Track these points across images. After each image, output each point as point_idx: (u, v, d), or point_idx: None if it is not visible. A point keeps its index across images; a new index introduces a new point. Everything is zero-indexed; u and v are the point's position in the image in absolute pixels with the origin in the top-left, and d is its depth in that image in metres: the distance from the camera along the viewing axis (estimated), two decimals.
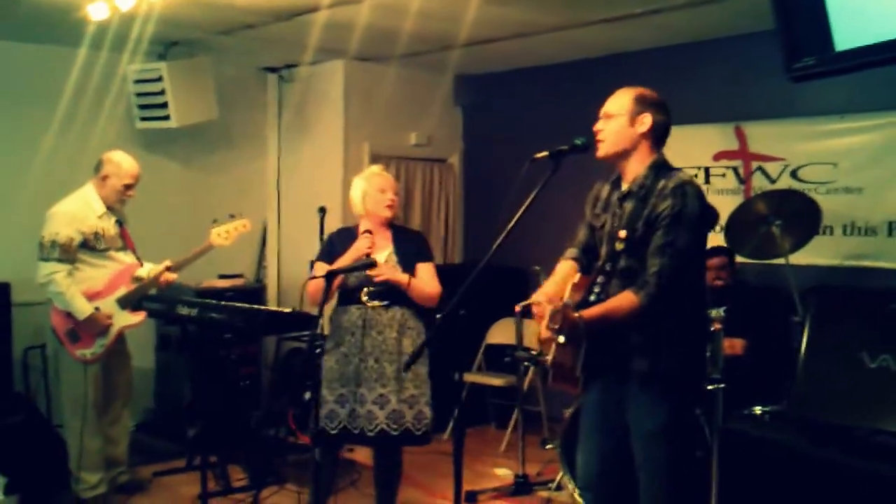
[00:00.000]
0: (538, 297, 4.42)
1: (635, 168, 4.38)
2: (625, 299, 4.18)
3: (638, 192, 4.33)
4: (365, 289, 5.64)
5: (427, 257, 5.91)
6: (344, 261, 5.59)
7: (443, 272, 8.00)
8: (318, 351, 5.13)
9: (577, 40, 8.32)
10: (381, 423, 5.55)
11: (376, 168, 5.95)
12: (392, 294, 5.66)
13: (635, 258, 4.27)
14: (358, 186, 5.83)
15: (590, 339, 4.20)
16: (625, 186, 4.43)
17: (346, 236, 5.85)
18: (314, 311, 5.37)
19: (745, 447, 3.89)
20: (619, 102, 4.40)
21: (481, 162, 10.29)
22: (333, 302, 5.86)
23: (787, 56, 3.55)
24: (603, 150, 4.40)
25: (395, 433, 5.58)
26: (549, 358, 4.34)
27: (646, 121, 4.35)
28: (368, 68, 9.47)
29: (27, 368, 7.93)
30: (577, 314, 4.11)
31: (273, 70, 9.93)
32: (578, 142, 4.36)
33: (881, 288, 7.08)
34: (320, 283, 5.40)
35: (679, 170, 4.39)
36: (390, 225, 5.88)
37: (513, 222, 4.21)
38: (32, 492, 6.41)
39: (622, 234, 4.31)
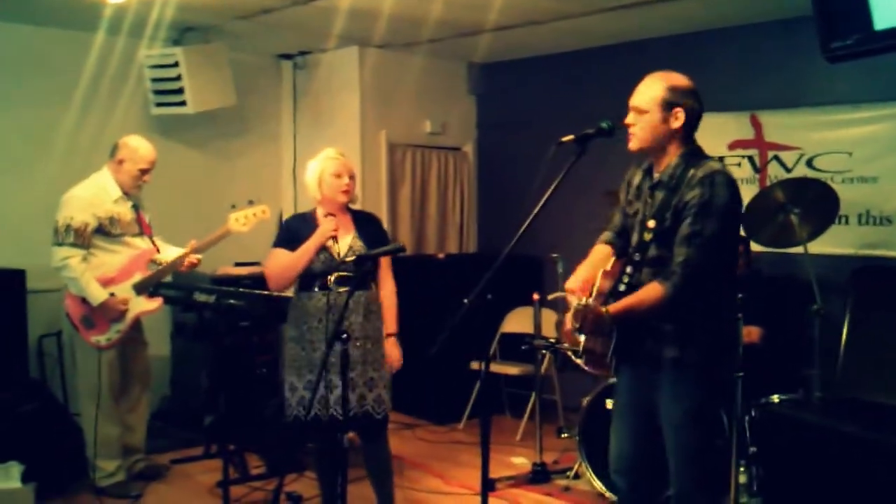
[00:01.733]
0: (572, 282, 4.44)
1: (668, 158, 4.35)
2: (651, 291, 4.19)
3: (669, 183, 4.30)
4: (333, 274, 5.58)
5: (388, 243, 5.83)
6: (312, 244, 5.53)
7: (459, 261, 7.99)
8: (344, 336, 5.10)
9: (592, 28, 8.33)
10: (353, 408, 5.47)
11: (332, 151, 5.83)
12: (355, 278, 5.56)
13: (665, 247, 4.26)
14: (313, 170, 5.75)
15: (619, 328, 4.23)
16: (656, 175, 4.41)
17: (304, 221, 5.79)
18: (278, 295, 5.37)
19: (786, 432, 3.89)
20: (650, 95, 4.32)
21: (495, 150, 10.29)
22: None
23: (824, 36, 3.52)
24: (636, 145, 4.38)
25: (360, 416, 5.54)
26: (580, 347, 4.38)
27: (680, 116, 4.29)
28: (384, 56, 9.48)
29: (42, 356, 7.94)
30: (603, 309, 4.14)
31: (287, 57, 9.94)
32: (604, 125, 4.28)
33: None
34: (284, 267, 5.57)
35: (710, 158, 4.37)
36: (348, 209, 5.82)
37: (538, 207, 4.16)
38: (49, 480, 6.42)
39: (651, 223, 4.31)
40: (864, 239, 7.50)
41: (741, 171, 8.18)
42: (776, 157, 8.01)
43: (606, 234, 4.75)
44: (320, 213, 5.74)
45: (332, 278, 5.59)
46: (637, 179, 4.59)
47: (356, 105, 9.40)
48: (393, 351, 5.72)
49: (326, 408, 5.50)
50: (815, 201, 6.75)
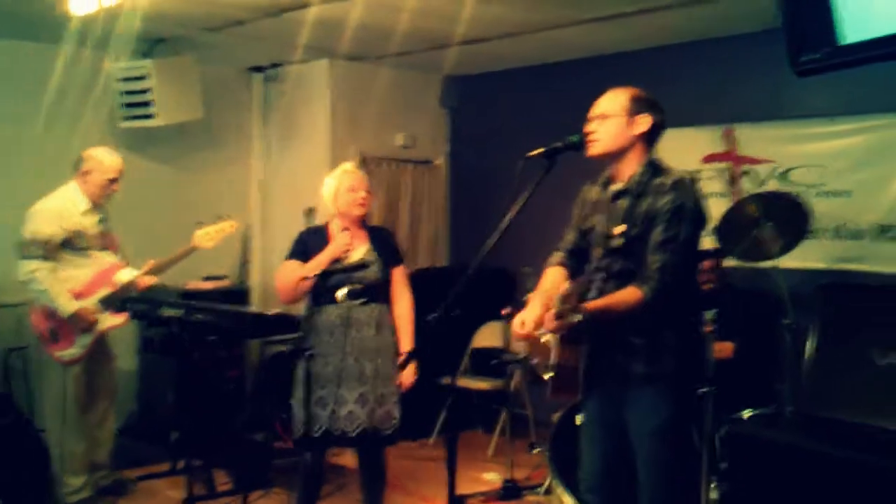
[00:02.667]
0: (533, 307, 4.36)
1: (630, 167, 4.34)
2: (629, 294, 4.15)
3: (634, 190, 4.29)
4: (345, 288, 5.56)
5: (401, 259, 5.96)
6: (325, 257, 5.58)
7: (430, 275, 7.96)
8: (308, 353, 5.07)
9: (566, 41, 8.30)
10: (364, 423, 5.55)
11: (348, 166, 5.93)
12: (369, 292, 5.63)
13: (633, 257, 4.23)
14: (329, 185, 5.80)
15: (591, 336, 4.20)
16: (618, 185, 4.38)
17: (318, 235, 5.84)
18: (290, 311, 5.34)
19: (753, 449, 3.85)
20: (615, 102, 4.34)
21: (468, 164, 10.25)
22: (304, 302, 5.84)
23: (792, 50, 3.49)
24: (597, 149, 4.34)
25: (371, 432, 5.59)
26: (552, 359, 4.29)
27: (644, 122, 4.30)
28: (355, 68, 9.43)
29: (9, 370, 7.83)
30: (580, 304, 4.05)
31: (259, 69, 9.88)
32: (574, 139, 4.31)
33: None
34: (294, 280, 5.49)
35: (671, 167, 4.36)
36: (363, 223, 5.86)
37: (506, 222, 4.16)
38: (15, 496, 6.34)
39: (619, 229, 4.26)
40: (838, 253, 7.48)
41: (715, 185, 8.16)
42: (749, 171, 7.98)
43: (558, 255, 4.71)
44: (334, 226, 5.79)
45: (342, 292, 5.54)
46: (594, 194, 4.57)
47: (327, 118, 9.35)
48: (406, 369, 5.70)
49: (336, 423, 5.54)
50: (788, 215, 6.72)
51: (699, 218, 4.24)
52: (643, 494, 4.34)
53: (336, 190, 5.75)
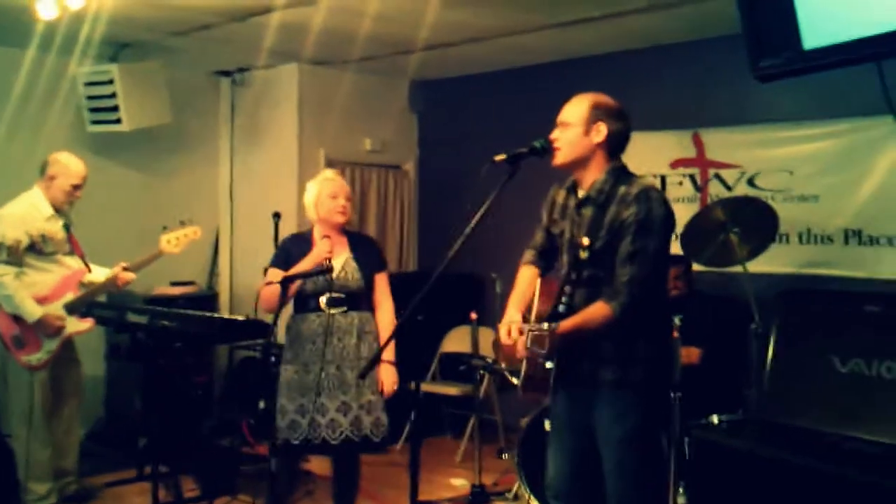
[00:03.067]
0: (512, 314, 4.40)
1: (593, 174, 4.34)
2: (597, 310, 4.15)
3: (597, 199, 4.28)
4: (325, 295, 5.58)
5: (383, 266, 5.95)
6: (302, 266, 5.54)
7: (398, 280, 7.95)
8: (272, 360, 5.06)
9: (533, 46, 8.31)
10: (346, 431, 5.54)
11: (330, 173, 5.92)
12: (350, 300, 5.64)
13: (600, 266, 4.22)
14: (311, 192, 5.79)
15: (562, 351, 4.15)
16: (582, 193, 4.38)
17: (300, 242, 5.81)
18: (268, 319, 5.32)
19: (713, 456, 3.83)
20: (575, 111, 4.35)
21: (436, 168, 10.24)
22: (289, 311, 5.80)
23: (753, 55, 3.49)
24: (559, 159, 4.35)
25: (356, 440, 5.57)
26: (522, 373, 4.31)
27: (601, 130, 4.29)
28: (323, 73, 9.41)
29: None
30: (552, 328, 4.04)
31: (226, 74, 9.85)
32: (537, 144, 4.31)
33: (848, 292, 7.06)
34: (275, 289, 5.40)
35: (639, 176, 4.37)
36: (344, 230, 5.84)
37: (471, 227, 4.15)
38: None
39: (585, 241, 4.23)
40: (806, 258, 7.51)
41: (683, 190, 8.19)
42: (717, 176, 8.00)
43: (529, 254, 4.73)
44: (317, 233, 5.76)
45: (323, 300, 5.61)
46: (561, 198, 4.57)
47: (293, 122, 9.33)
48: (387, 376, 5.72)
49: (316, 430, 5.53)
50: (754, 220, 6.74)
51: (666, 227, 4.22)
52: (610, 501, 4.33)
53: (317, 197, 5.74)
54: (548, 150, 4.34)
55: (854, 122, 7.18)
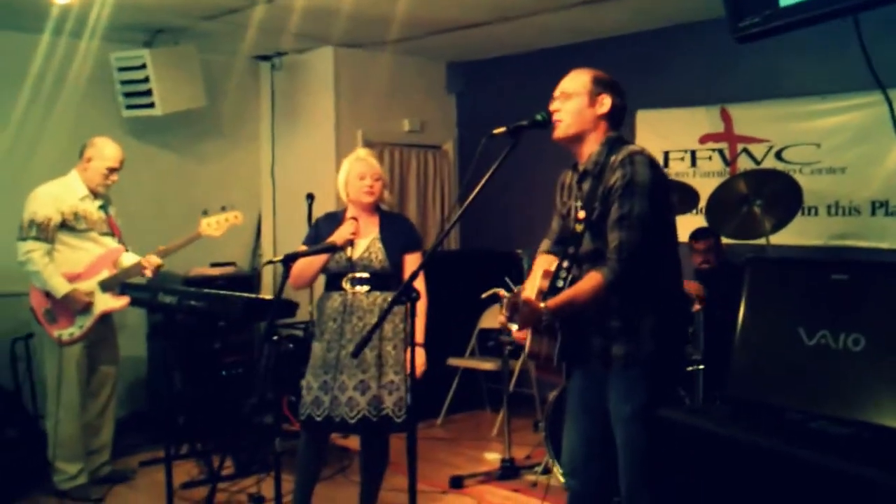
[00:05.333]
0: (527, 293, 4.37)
1: (590, 147, 4.32)
2: (590, 280, 4.13)
3: (593, 171, 4.27)
4: (348, 275, 5.65)
5: (416, 247, 5.85)
6: (326, 244, 5.57)
7: (439, 259, 8.04)
8: (275, 337, 5.08)
9: (565, 25, 8.36)
10: (363, 410, 5.53)
11: (362, 152, 5.89)
12: (373, 280, 5.65)
13: (599, 239, 4.21)
14: (342, 171, 5.82)
15: (564, 327, 4.18)
16: (581, 167, 4.38)
17: (331, 221, 5.83)
18: (296, 296, 5.37)
19: (680, 436, 3.80)
20: (577, 82, 4.34)
21: (475, 148, 10.23)
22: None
23: (732, 15, 3.49)
24: (561, 131, 4.33)
25: (374, 420, 5.56)
26: (526, 350, 4.35)
27: (606, 102, 4.29)
28: (359, 55, 9.49)
29: (16, 360, 7.89)
30: (541, 304, 4.07)
31: (265, 58, 9.94)
32: (539, 117, 4.31)
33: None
34: (301, 266, 5.51)
35: (631, 143, 4.33)
36: (378, 210, 5.86)
37: (469, 200, 4.25)
38: (8, 485, 6.47)
39: (581, 214, 4.26)
40: (834, 230, 7.51)
41: (712, 165, 8.22)
42: (745, 150, 8.02)
43: (545, 244, 4.70)
44: (349, 213, 5.80)
45: (346, 280, 5.66)
46: (569, 179, 4.56)
47: (331, 104, 9.41)
48: (416, 359, 5.46)
49: (337, 408, 5.56)
50: (778, 193, 6.77)
51: (654, 190, 4.14)
52: (622, 479, 4.34)
53: (346, 177, 5.77)
54: (549, 122, 4.33)
55: (880, 95, 7.12)
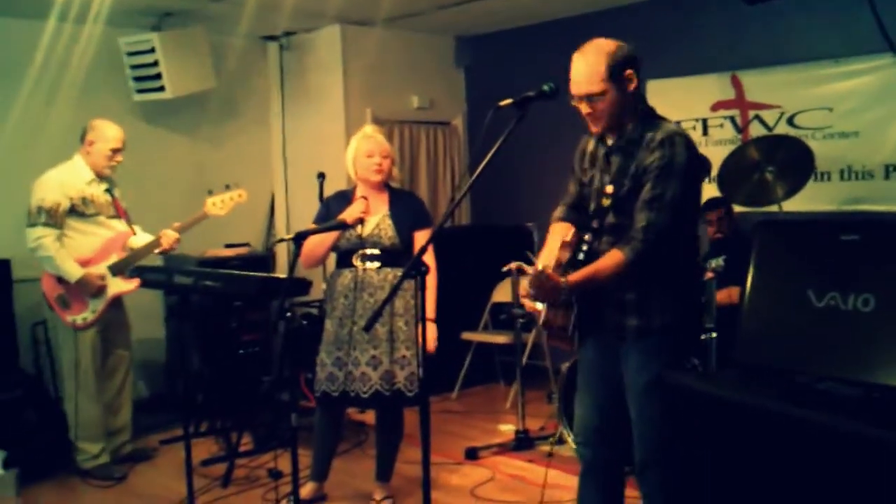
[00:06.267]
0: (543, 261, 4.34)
1: (622, 122, 4.22)
2: (611, 258, 4.09)
3: (626, 147, 4.20)
4: (358, 252, 5.67)
5: (425, 223, 5.86)
6: (335, 222, 5.59)
7: (450, 235, 8.03)
8: (288, 314, 5.07)
9: None
10: (376, 385, 5.60)
11: (369, 129, 5.90)
12: (384, 256, 5.69)
13: (623, 214, 4.17)
14: (350, 149, 5.84)
15: (580, 299, 4.18)
16: (611, 141, 4.30)
17: (341, 199, 5.87)
18: (310, 274, 5.39)
19: (688, 402, 3.78)
20: (595, 76, 4.13)
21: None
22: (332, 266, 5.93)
23: None
24: (604, 123, 4.21)
25: (387, 394, 5.62)
26: (540, 320, 4.32)
27: (631, 77, 4.14)
28: (367, 33, 9.47)
29: (37, 344, 7.97)
30: (561, 279, 4.03)
31: (273, 38, 9.94)
32: (546, 87, 4.12)
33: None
34: (311, 245, 5.57)
35: (666, 120, 4.25)
36: (388, 187, 5.88)
37: (476, 174, 4.20)
38: (32, 465, 6.47)
39: (609, 189, 4.21)
40: (847, 194, 7.50)
41: (724, 132, 8.20)
42: (757, 117, 8.00)
43: (561, 209, 4.62)
44: (359, 191, 5.84)
45: (356, 256, 5.70)
46: (591, 147, 4.47)
47: (339, 82, 9.41)
48: (427, 334, 5.55)
49: (352, 384, 5.63)
50: (789, 158, 6.75)
51: (689, 174, 4.09)
52: (636, 450, 4.34)
53: (354, 155, 5.80)
54: (557, 92, 4.13)
55: (893, 58, 7.11)
